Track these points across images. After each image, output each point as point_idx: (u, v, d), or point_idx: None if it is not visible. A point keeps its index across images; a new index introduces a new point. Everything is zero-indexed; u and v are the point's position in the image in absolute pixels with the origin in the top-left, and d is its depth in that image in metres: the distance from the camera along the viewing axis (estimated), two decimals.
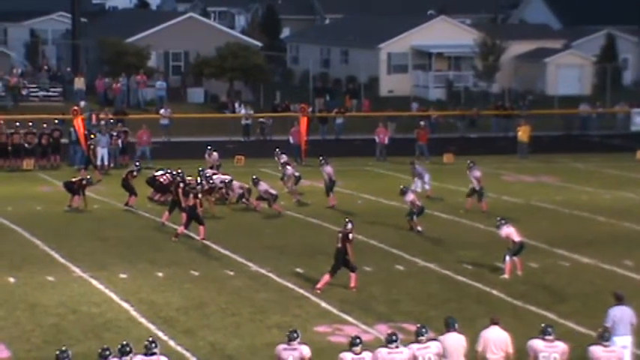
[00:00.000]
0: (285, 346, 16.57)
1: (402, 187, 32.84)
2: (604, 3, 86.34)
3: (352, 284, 25.01)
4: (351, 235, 25.17)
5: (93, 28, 71.36)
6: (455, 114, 56.88)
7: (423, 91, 69.17)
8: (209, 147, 39.51)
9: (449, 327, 17.23)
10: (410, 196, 31.97)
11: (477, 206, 34.62)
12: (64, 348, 16.00)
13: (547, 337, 16.78)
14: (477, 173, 34.83)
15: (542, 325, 17.16)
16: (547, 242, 30.03)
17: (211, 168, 36.98)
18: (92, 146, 43.14)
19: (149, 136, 45.52)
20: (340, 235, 25.16)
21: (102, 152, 43.32)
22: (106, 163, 43.11)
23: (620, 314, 19.04)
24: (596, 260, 28.20)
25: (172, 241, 30.02)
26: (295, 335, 16.61)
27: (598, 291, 25.26)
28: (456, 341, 17.05)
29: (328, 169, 35.72)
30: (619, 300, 19.39)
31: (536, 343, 16.78)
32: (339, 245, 25.01)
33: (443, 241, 30.51)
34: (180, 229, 30.34)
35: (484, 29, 71.23)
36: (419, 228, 31.48)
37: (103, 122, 46.39)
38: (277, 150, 39.75)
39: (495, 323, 17.51)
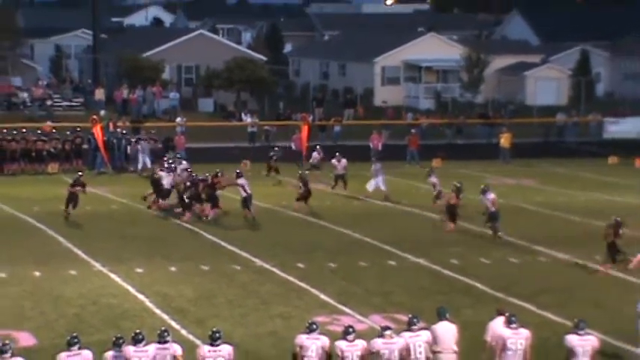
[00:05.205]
0: (307, 335, 16.42)
1: (482, 186, 31.58)
2: (579, 21, 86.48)
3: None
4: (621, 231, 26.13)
5: (112, 43, 71.42)
6: (443, 122, 56.84)
7: (414, 102, 69.18)
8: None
9: (440, 316, 17.15)
10: (490, 195, 30.69)
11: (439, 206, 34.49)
12: (74, 334, 16.02)
13: (512, 326, 16.73)
14: (434, 179, 34.71)
15: (507, 314, 17.07)
16: (527, 240, 29.99)
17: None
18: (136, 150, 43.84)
19: (184, 141, 46.16)
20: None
21: (143, 157, 43.43)
22: (149, 166, 42.62)
23: None
24: (572, 256, 28.17)
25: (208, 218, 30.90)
26: (315, 327, 16.48)
27: (573, 284, 25.26)
28: (447, 330, 16.97)
29: (241, 181, 33.12)
30: None
31: (504, 332, 16.72)
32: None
33: (432, 239, 30.45)
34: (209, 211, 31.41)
35: (469, 45, 71.33)
36: (499, 233, 30.22)
37: (119, 130, 46.46)
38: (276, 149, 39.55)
39: (501, 314, 17.38)
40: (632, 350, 19.87)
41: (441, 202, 34.13)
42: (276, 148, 43.86)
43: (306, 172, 36.18)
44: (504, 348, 16.57)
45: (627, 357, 19.77)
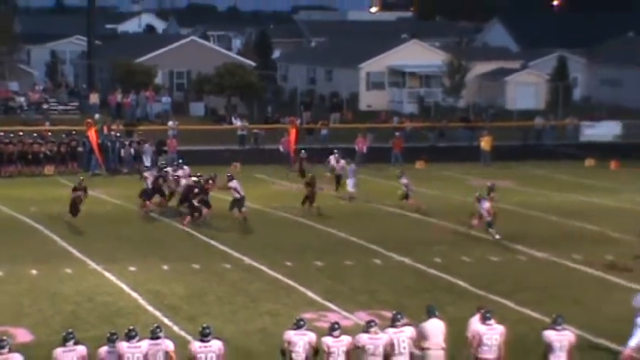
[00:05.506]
0: (294, 331, 16.46)
1: (477, 194, 31.01)
2: (557, 29, 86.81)
3: None
4: None
5: (106, 49, 71.36)
6: (426, 126, 56.92)
7: (398, 106, 69.26)
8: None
9: (430, 314, 17.21)
10: (485, 205, 30.21)
11: (417, 204, 34.55)
12: (70, 330, 16.09)
13: (487, 322, 16.84)
14: (404, 180, 34.75)
15: (482, 311, 17.16)
16: (507, 238, 30.02)
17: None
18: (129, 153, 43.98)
19: (176, 144, 46.22)
20: None
21: (145, 159, 43.35)
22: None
23: None
24: (549, 254, 28.28)
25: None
26: (302, 323, 16.50)
27: (551, 282, 25.37)
28: (436, 327, 17.04)
29: (233, 184, 32.59)
30: None
31: (479, 328, 16.82)
32: None
33: (415, 238, 30.50)
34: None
35: (451, 51, 71.51)
36: (497, 236, 29.96)
37: (113, 133, 46.44)
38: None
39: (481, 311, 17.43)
40: (610, 346, 20.00)
41: (412, 201, 34.23)
42: (302, 151, 43.28)
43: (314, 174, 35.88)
44: (480, 343, 16.69)
45: (604, 352, 19.87)
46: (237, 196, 32.51)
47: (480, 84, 71.50)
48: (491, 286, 24.67)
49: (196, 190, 32.40)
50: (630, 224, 32.33)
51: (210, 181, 32.86)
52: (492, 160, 47.95)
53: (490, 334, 16.74)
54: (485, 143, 48.60)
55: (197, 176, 33.49)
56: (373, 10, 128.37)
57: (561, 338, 16.63)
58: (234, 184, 32.64)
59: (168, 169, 35.70)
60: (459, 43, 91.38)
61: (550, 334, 16.68)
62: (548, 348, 16.63)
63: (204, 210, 32.34)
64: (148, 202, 33.91)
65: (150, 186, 34.03)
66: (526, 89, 71.82)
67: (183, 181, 33.99)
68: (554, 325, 16.77)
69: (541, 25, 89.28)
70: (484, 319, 16.86)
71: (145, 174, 34.70)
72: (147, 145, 44.66)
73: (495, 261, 27.67)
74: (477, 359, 16.75)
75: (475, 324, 16.99)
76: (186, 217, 32.10)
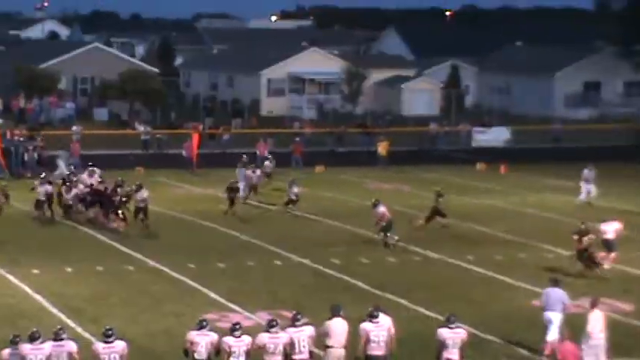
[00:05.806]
0: (197, 332, 16.34)
1: (373, 200, 30.73)
2: (449, 38, 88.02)
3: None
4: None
5: (9, 55, 70.12)
6: (325, 131, 57.14)
7: (298, 112, 69.42)
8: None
9: (335, 313, 17.24)
10: (380, 210, 29.77)
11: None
12: None
13: (374, 320, 16.95)
14: (296, 190, 34.84)
15: (370, 309, 17.28)
16: (403, 240, 30.12)
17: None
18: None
19: (79, 148, 45.23)
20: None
21: (60, 164, 42.41)
22: (65, 172, 40.96)
23: (554, 295, 19.75)
24: (444, 256, 28.57)
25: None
26: (205, 324, 16.41)
27: (445, 282, 25.64)
28: (339, 326, 17.09)
29: (141, 194, 31.88)
30: (554, 284, 20.09)
31: (366, 326, 16.92)
32: None
33: (314, 239, 30.55)
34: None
35: (349, 59, 72.01)
36: (392, 241, 29.40)
37: (16, 138, 45.61)
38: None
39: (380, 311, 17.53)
40: (497, 341, 20.31)
41: (290, 207, 34.26)
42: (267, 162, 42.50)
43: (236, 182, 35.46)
44: (368, 340, 16.81)
45: (493, 348, 20.17)
46: (142, 204, 31.85)
47: (377, 91, 72.11)
48: (388, 286, 24.83)
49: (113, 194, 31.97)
50: (518, 225, 32.95)
51: (119, 185, 32.39)
52: (389, 164, 48.29)
53: (377, 331, 16.89)
54: (381, 148, 48.93)
55: (102, 182, 33.00)
56: (273, 18, 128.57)
57: (454, 336, 16.84)
58: (142, 194, 31.85)
59: (84, 175, 34.85)
60: (356, 51, 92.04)
61: (444, 332, 16.87)
62: (441, 345, 16.82)
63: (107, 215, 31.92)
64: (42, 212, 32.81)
65: (42, 197, 33.04)
66: (420, 96, 72.65)
67: (79, 187, 33.35)
68: (447, 324, 16.98)
69: (434, 34, 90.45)
70: (371, 317, 17.00)
71: (37, 186, 33.62)
72: (61, 150, 43.79)
73: (392, 262, 27.85)
74: (367, 356, 16.87)
75: (364, 322, 17.10)
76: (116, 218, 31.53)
